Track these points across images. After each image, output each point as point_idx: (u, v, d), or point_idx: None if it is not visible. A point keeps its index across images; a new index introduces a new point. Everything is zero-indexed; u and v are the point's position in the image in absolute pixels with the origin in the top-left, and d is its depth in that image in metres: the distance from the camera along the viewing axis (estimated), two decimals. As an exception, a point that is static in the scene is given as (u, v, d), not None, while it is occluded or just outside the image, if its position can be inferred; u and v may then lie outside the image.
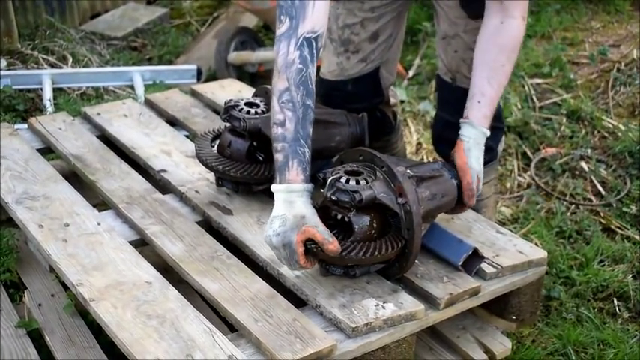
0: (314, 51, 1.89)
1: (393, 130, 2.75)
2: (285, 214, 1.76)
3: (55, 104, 3.58)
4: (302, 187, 1.80)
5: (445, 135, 2.45)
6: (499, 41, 2.06)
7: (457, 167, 2.02)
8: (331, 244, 1.74)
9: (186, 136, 2.66)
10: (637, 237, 2.99)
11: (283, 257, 1.78)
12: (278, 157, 1.83)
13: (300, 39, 1.87)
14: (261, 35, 4.69)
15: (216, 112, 2.77)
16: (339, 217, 1.86)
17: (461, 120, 2.07)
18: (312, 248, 1.77)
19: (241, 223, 2.11)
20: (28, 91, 3.86)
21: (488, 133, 2.07)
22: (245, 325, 1.72)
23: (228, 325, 1.85)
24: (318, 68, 2.18)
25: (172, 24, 5.19)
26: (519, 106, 3.81)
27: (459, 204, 2.03)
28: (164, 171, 2.37)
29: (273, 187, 1.82)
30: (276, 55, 1.89)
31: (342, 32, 2.45)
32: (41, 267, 2.26)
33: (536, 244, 2.66)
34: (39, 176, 2.33)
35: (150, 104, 2.88)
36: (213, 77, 4.13)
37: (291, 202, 1.78)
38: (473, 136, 2.04)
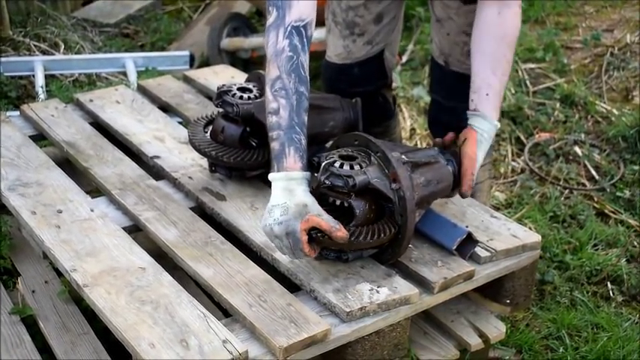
0: (304, 39, 1.87)
1: (393, 115, 2.75)
2: (287, 203, 1.73)
3: (47, 91, 3.56)
4: (301, 175, 1.78)
5: (439, 117, 2.45)
6: (499, 32, 2.04)
7: (465, 155, 1.99)
8: (339, 231, 1.73)
9: (180, 122, 2.65)
10: (631, 221, 3.00)
11: (285, 246, 1.75)
12: (274, 145, 1.80)
13: (289, 28, 1.86)
14: (254, 22, 4.67)
15: (209, 98, 2.76)
16: (338, 202, 1.85)
17: (469, 112, 2.05)
18: (317, 236, 1.76)
19: (235, 209, 2.11)
20: (20, 78, 3.85)
21: (499, 126, 2.06)
22: (239, 310, 1.72)
23: (223, 311, 1.85)
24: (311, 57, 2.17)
25: (164, 10, 5.16)
26: (513, 91, 3.80)
27: (454, 190, 2.03)
28: (157, 157, 2.36)
29: (271, 176, 1.79)
30: (266, 45, 1.88)
31: (345, 15, 2.43)
32: (34, 254, 2.25)
33: (530, 229, 2.66)
34: (31, 163, 2.32)
35: (142, 90, 2.87)
36: (205, 64, 4.11)
37: (291, 190, 1.76)
38: (487, 130, 2.03)
